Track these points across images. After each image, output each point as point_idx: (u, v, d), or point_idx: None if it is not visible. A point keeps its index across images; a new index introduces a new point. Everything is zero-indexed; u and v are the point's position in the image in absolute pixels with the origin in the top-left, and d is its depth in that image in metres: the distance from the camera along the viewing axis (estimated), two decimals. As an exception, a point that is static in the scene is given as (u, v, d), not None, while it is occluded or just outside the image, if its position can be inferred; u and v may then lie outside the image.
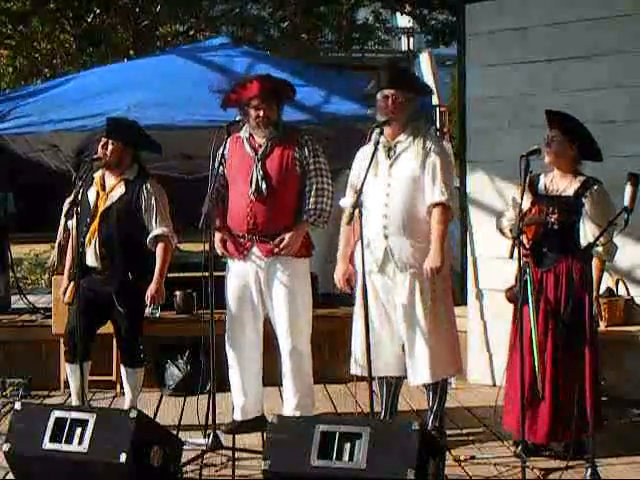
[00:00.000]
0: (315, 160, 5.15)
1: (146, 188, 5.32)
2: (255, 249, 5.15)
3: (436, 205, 4.88)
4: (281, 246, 5.08)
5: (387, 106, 4.92)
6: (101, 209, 5.28)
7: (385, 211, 4.92)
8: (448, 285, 5.07)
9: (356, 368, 5.03)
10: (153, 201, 5.30)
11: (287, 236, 5.08)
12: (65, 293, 5.43)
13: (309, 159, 5.14)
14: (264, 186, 5.08)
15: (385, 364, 5.02)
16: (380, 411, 5.15)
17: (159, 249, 5.29)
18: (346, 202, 5.09)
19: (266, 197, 5.09)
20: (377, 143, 4.83)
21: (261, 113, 5.09)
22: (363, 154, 5.07)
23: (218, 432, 4.87)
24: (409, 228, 4.90)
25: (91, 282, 5.27)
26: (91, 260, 5.28)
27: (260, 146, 5.17)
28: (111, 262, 5.25)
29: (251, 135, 5.21)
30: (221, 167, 5.13)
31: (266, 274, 5.16)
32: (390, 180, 4.94)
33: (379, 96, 4.96)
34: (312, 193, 5.14)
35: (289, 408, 5.20)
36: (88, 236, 5.26)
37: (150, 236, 5.29)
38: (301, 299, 5.21)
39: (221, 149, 5.11)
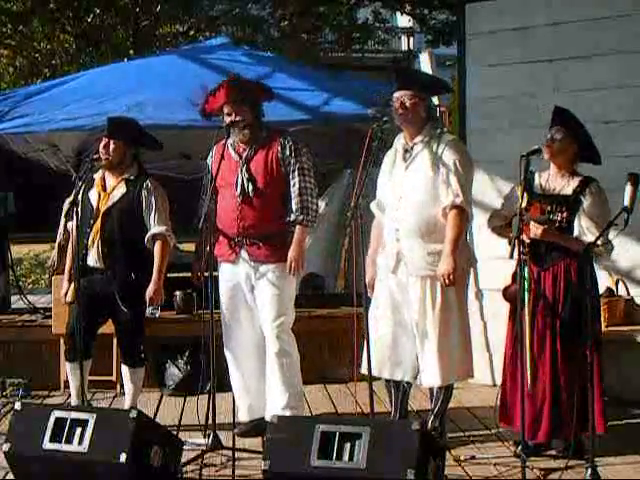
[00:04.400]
0: (297, 160, 5.14)
1: (146, 186, 5.33)
2: (244, 251, 5.17)
3: (451, 208, 4.83)
4: (292, 269, 5.11)
5: (397, 108, 4.92)
6: (103, 210, 5.29)
7: (397, 214, 4.91)
8: (462, 288, 5.01)
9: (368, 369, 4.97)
10: (153, 199, 5.31)
11: (290, 256, 5.09)
12: (66, 294, 5.43)
13: (290, 159, 5.13)
14: (250, 188, 5.10)
15: (403, 369, 4.98)
16: (390, 411, 5.14)
17: (157, 248, 5.29)
18: (372, 206, 5.12)
19: (253, 199, 5.11)
20: (378, 141, 4.81)
21: (232, 118, 5.08)
22: (384, 160, 5.09)
23: (219, 432, 4.86)
24: (421, 231, 4.87)
25: (92, 282, 5.27)
26: (93, 261, 5.28)
27: (244, 150, 5.17)
28: (114, 262, 5.25)
29: (236, 141, 5.22)
30: (212, 168, 5.16)
31: (255, 274, 5.17)
32: (404, 183, 4.93)
33: (393, 99, 4.96)
34: (296, 193, 5.14)
35: (277, 408, 5.09)
36: (91, 237, 5.27)
37: (148, 234, 5.29)
38: (287, 299, 5.20)
39: (213, 150, 5.17)
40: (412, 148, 4.95)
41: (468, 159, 4.96)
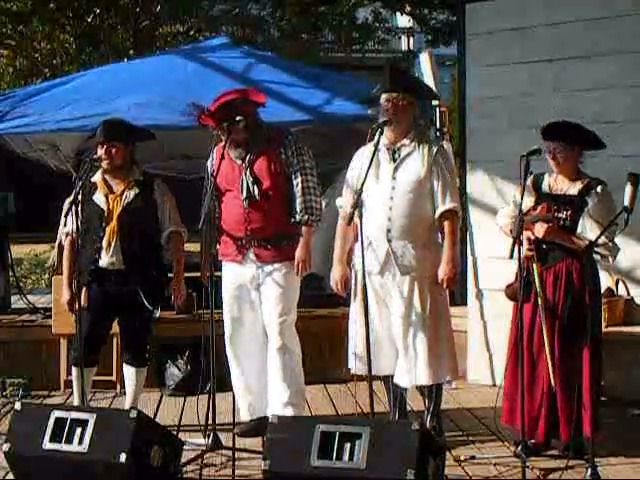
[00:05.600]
0: (299, 159, 5.14)
1: (158, 186, 5.39)
2: (252, 252, 5.17)
3: (448, 213, 4.88)
4: (299, 269, 5.12)
5: (389, 108, 4.92)
6: (118, 211, 5.28)
7: (389, 214, 4.91)
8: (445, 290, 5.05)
9: (356, 368, 5.00)
10: (165, 198, 5.38)
11: (297, 256, 5.11)
12: (70, 303, 5.33)
13: (292, 159, 5.13)
14: (256, 191, 5.10)
15: (385, 363, 5.00)
16: (389, 411, 5.15)
17: (175, 245, 5.39)
18: (343, 202, 5.10)
19: (259, 201, 5.11)
20: (377, 144, 4.83)
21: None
22: (361, 155, 5.07)
23: (219, 432, 4.86)
24: (412, 232, 4.89)
25: (106, 285, 5.26)
26: (109, 262, 5.26)
27: (247, 153, 5.17)
28: (134, 261, 5.25)
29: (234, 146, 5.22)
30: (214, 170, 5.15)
31: (261, 273, 5.18)
32: (394, 183, 4.92)
33: (382, 98, 4.96)
34: (299, 192, 5.14)
35: (279, 405, 5.11)
36: (106, 239, 5.25)
37: (165, 233, 5.36)
38: (292, 297, 5.21)
39: (213, 152, 5.16)
40: (400, 149, 4.96)
41: (453, 163, 5.21)
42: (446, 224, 4.89)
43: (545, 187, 4.80)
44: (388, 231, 4.91)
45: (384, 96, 4.94)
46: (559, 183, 4.79)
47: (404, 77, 5.32)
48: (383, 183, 4.93)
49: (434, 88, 6.85)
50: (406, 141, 4.95)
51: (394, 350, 4.99)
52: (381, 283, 4.96)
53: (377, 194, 4.93)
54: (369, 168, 4.71)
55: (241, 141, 5.14)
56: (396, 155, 4.96)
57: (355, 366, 5.01)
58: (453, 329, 5.14)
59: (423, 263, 4.89)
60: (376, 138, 4.84)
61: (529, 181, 4.67)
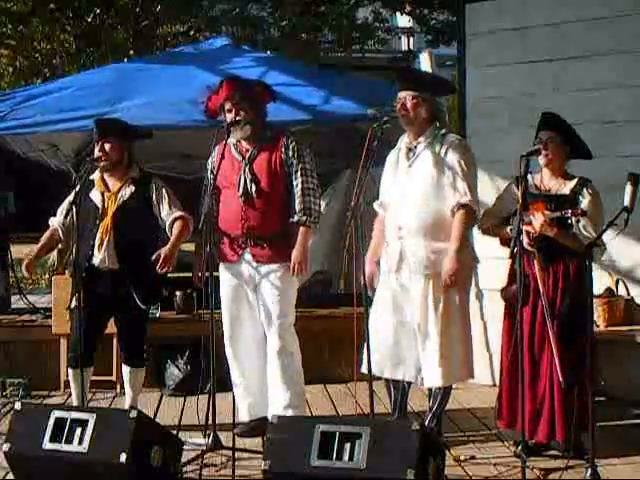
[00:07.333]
0: (299, 160, 5.14)
1: (155, 183, 5.37)
2: (247, 252, 5.17)
3: (459, 207, 4.81)
4: (295, 271, 5.10)
5: (399, 109, 4.92)
6: (113, 209, 5.27)
7: (401, 212, 4.92)
8: (465, 288, 5.00)
9: (373, 367, 4.94)
10: (164, 192, 5.34)
11: (294, 258, 5.09)
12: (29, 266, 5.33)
13: (293, 160, 5.14)
14: (253, 189, 5.10)
15: (403, 369, 4.99)
16: (391, 412, 5.14)
17: (177, 226, 5.24)
18: (376, 205, 5.15)
19: (256, 199, 5.11)
20: (378, 144, 4.82)
21: (232, 115, 5.07)
22: (388, 158, 5.11)
23: (219, 432, 4.86)
24: (424, 230, 4.87)
25: (99, 284, 5.25)
26: (102, 261, 5.25)
27: (247, 150, 5.18)
28: (127, 260, 5.24)
29: (238, 141, 5.21)
30: (214, 168, 5.15)
31: (258, 274, 5.18)
32: (407, 181, 4.93)
33: (397, 99, 4.97)
34: (298, 193, 5.14)
35: (279, 407, 5.11)
36: (99, 237, 5.24)
37: (170, 218, 5.27)
38: (290, 299, 5.21)
39: (214, 151, 5.16)
40: (415, 147, 4.96)
41: (472, 158, 4.96)
42: (455, 216, 4.82)
43: (531, 187, 4.78)
44: (400, 229, 4.92)
45: (397, 97, 4.95)
46: (546, 183, 4.79)
47: (412, 75, 5.31)
48: (399, 182, 4.95)
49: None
50: (422, 139, 4.95)
51: (409, 353, 4.96)
52: (398, 282, 4.97)
53: (394, 193, 4.97)
54: (367, 171, 4.70)
55: (242, 139, 5.15)
56: (411, 154, 4.97)
57: (364, 366, 4.98)
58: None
59: (436, 261, 4.86)
60: (400, 140, 4.88)
61: (514, 184, 4.68)
